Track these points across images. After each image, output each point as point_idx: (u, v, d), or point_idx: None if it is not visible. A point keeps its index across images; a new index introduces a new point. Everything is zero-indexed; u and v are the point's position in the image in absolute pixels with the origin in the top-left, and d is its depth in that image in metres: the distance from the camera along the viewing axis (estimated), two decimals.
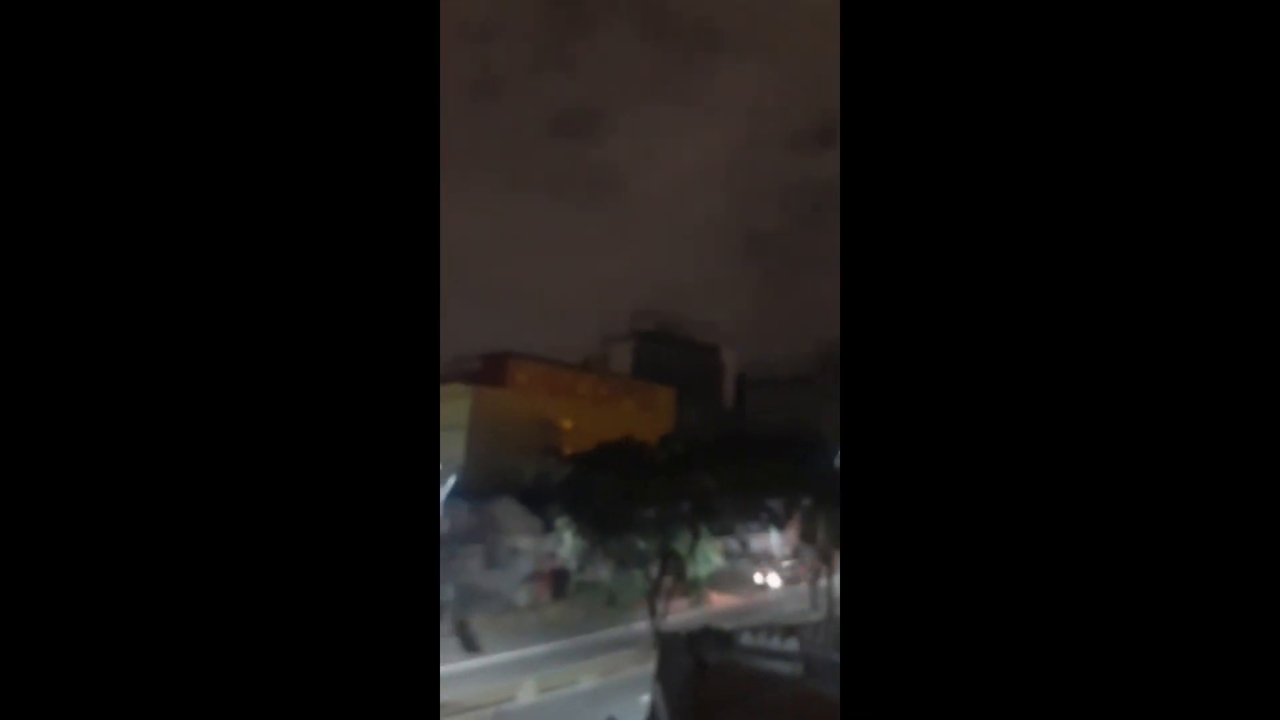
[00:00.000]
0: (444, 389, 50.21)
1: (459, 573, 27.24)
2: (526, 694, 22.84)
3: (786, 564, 39.19)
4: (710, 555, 30.94)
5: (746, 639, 12.78)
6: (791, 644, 12.97)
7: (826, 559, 34.08)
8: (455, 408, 47.92)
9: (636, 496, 30.37)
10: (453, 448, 42.06)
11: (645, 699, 16.41)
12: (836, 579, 31.76)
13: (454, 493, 29.32)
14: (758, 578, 32.70)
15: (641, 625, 29.45)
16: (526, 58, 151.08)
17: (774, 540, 39.21)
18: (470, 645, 26.86)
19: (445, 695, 21.62)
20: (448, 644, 26.49)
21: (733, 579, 36.03)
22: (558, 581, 33.19)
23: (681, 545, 29.79)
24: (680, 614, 30.11)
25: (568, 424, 49.79)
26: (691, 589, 31.89)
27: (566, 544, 31.52)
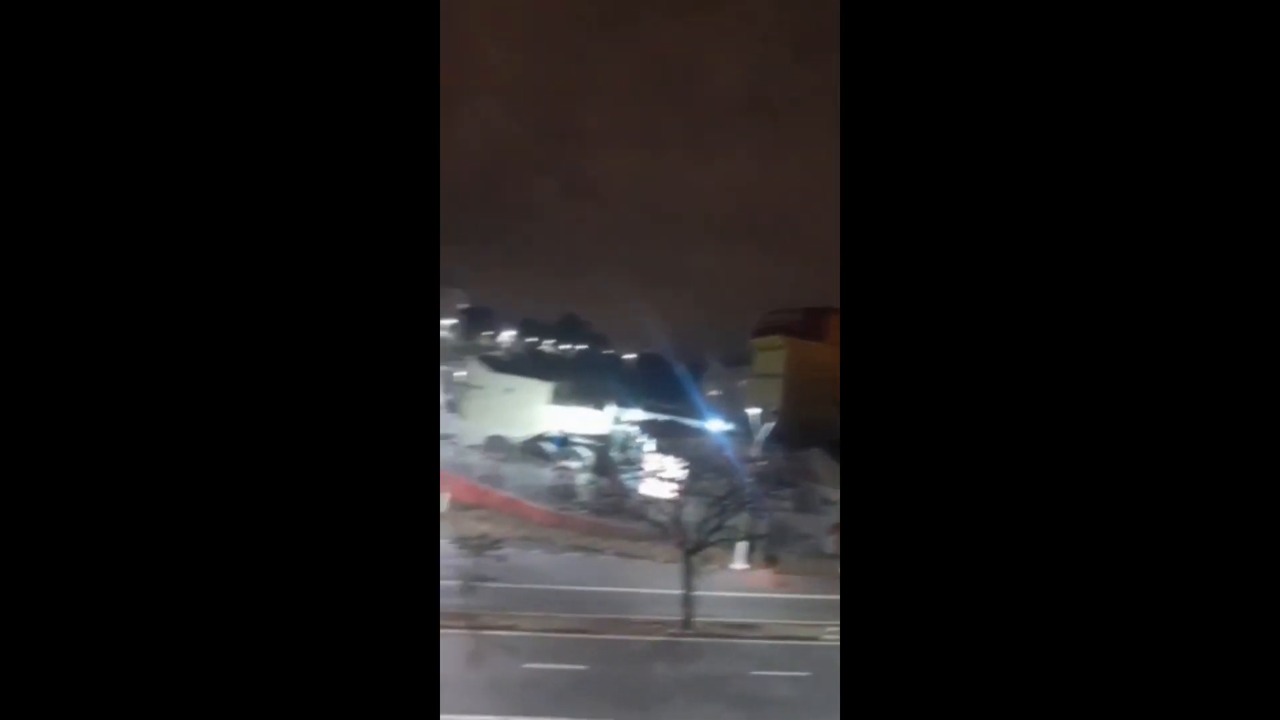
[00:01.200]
0: (762, 340, 51.85)
1: (773, 511, 28.55)
2: (830, 635, 23.49)
3: None
4: None
5: None
6: None
7: None
8: (772, 358, 49.41)
9: None
10: (769, 395, 43.56)
11: None
12: None
13: (770, 437, 30.60)
14: None
15: None
16: None
17: None
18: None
19: (756, 617, 23.23)
20: (758, 573, 28.17)
21: None
22: None
23: None
24: None
25: None
26: None
27: None
